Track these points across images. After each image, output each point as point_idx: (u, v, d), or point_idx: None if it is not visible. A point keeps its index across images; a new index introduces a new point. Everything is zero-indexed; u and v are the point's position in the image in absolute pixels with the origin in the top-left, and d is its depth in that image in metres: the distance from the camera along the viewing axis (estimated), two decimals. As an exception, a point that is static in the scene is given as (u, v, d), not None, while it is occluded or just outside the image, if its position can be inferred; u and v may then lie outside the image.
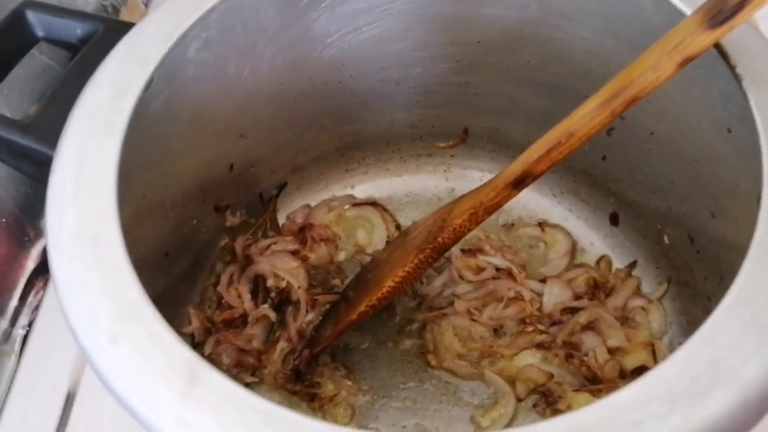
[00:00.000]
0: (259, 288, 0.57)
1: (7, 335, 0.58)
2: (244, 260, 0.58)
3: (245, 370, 0.54)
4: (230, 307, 0.56)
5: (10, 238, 0.60)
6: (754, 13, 0.36)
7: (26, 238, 0.61)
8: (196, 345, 0.55)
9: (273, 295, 0.56)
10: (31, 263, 0.61)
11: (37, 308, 0.60)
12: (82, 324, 0.33)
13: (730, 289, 0.32)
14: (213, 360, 0.54)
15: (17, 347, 0.58)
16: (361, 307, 0.50)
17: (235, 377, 0.54)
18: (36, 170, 0.45)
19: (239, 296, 0.56)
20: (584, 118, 0.41)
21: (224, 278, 0.57)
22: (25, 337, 0.58)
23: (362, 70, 0.57)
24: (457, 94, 0.59)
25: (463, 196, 0.49)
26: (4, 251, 0.60)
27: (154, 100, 0.43)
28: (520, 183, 0.44)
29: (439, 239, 0.47)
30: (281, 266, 0.57)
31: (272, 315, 0.56)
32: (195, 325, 0.55)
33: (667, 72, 0.38)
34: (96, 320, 0.33)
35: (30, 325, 0.59)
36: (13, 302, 0.60)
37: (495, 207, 0.46)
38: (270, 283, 0.56)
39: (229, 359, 0.54)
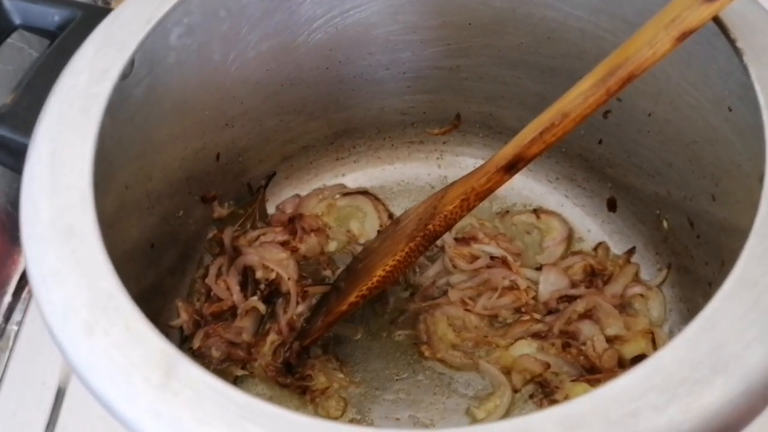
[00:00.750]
0: (248, 280, 0.56)
1: (1, 332, 0.58)
2: (232, 252, 0.57)
3: (235, 364, 0.53)
4: (219, 299, 0.55)
5: (2, 234, 0.60)
6: None
7: (19, 234, 0.60)
8: (186, 338, 0.54)
9: (262, 287, 0.55)
10: (24, 259, 0.61)
11: (29, 304, 0.59)
12: (56, 316, 0.32)
13: (732, 272, 0.31)
14: (202, 353, 0.53)
15: (11, 343, 0.57)
16: (352, 298, 0.48)
17: (225, 371, 0.53)
18: (13, 160, 0.44)
19: (228, 288, 0.55)
20: (578, 98, 0.39)
21: (212, 270, 0.56)
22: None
23: (350, 55, 0.55)
24: (449, 78, 0.58)
25: (454, 182, 0.47)
26: (-3, 248, 0.59)
27: (135, 88, 0.42)
28: (512, 167, 0.43)
29: (430, 227, 0.46)
30: (270, 257, 0.56)
31: (262, 307, 0.54)
32: (183, 318, 0.54)
33: (664, 47, 0.36)
34: (70, 312, 0.32)
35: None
36: (7, 298, 0.59)
37: (487, 192, 0.45)
38: (259, 274, 0.55)
39: (218, 352, 0.53)
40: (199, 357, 0.53)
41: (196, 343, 0.53)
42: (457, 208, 0.45)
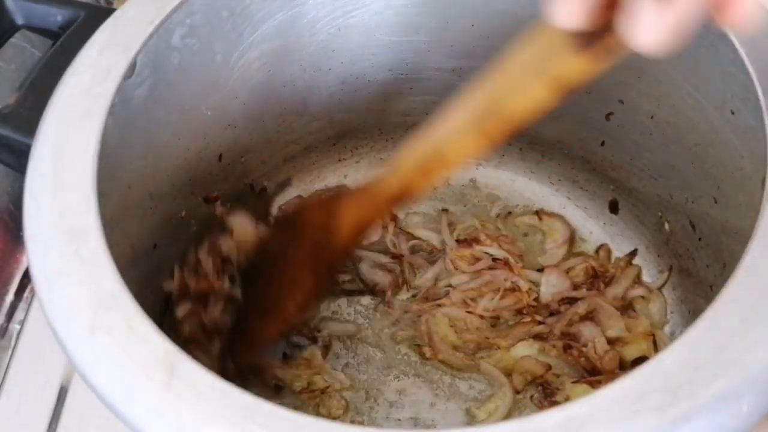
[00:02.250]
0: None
1: (3, 330, 0.58)
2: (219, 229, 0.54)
3: (196, 347, 0.50)
4: (205, 276, 0.52)
5: (5, 233, 0.60)
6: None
7: (21, 233, 0.61)
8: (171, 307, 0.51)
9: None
10: (26, 258, 0.61)
11: (32, 303, 0.59)
12: (59, 315, 0.32)
13: (734, 275, 0.31)
14: (177, 327, 0.50)
15: (13, 342, 0.57)
16: (272, 330, 0.47)
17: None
18: (16, 160, 0.44)
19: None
20: (457, 138, 0.35)
21: (206, 244, 0.54)
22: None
23: (353, 56, 0.55)
24: (451, 80, 0.58)
25: (346, 193, 0.45)
26: (0, 246, 0.59)
27: (138, 89, 0.42)
28: (397, 200, 0.40)
29: (327, 256, 0.44)
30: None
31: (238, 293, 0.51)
32: (175, 284, 0.51)
33: (541, 99, 0.31)
34: (74, 311, 0.32)
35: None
36: (9, 297, 0.59)
37: (370, 224, 0.43)
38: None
39: (187, 332, 0.50)
40: (173, 329, 0.50)
41: (180, 313, 0.50)
42: (352, 235, 0.43)
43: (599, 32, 0.28)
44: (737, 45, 0.38)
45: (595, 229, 0.60)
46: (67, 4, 0.48)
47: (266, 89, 0.54)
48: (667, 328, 0.54)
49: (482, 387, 0.53)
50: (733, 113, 0.41)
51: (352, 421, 0.51)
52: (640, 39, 0.26)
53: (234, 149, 0.56)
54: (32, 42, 0.60)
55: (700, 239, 0.50)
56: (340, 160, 0.64)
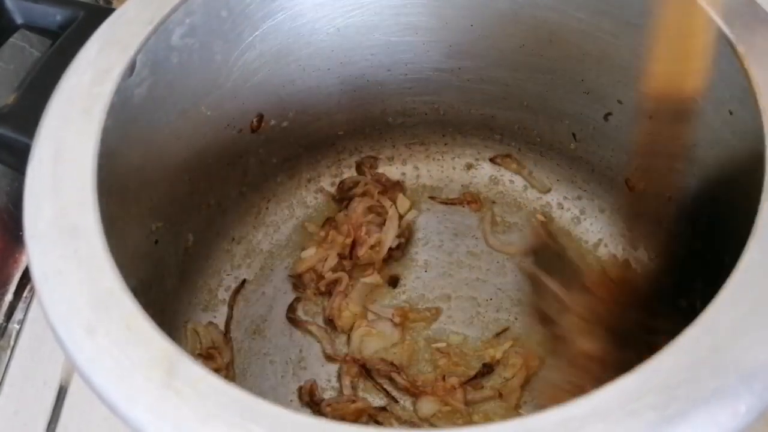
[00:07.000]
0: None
1: (3, 330, 0.58)
2: None
3: None
4: None
5: (4, 232, 0.60)
6: None
7: (21, 233, 0.60)
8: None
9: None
10: (25, 258, 0.61)
11: (31, 302, 0.59)
12: (58, 315, 0.32)
13: (732, 274, 0.31)
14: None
15: (12, 342, 0.58)
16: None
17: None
18: (16, 160, 0.44)
19: None
20: None
21: None
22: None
23: (352, 56, 0.55)
24: (450, 80, 0.58)
25: None
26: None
27: (137, 88, 0.42)
28: None
29: None
30: None
31: None
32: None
33: None
34: (73, 311, 0.32)
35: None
36: (8, 297, 0.59)
37: None
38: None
39: None
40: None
41: None
42: None
43: None
44: (736, 45, 0.38)
45: (593, 228, 0.60)
46: (66, 3, 0.48)
47: (266, 89, 0.54)
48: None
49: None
50: (731, 113, 0.41)
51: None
52: None
53: (233, 149, 0.56)
54: (31, 42, 0.60)
55: (699, 239, 0.50)
56: (339, 160, 0.64)
